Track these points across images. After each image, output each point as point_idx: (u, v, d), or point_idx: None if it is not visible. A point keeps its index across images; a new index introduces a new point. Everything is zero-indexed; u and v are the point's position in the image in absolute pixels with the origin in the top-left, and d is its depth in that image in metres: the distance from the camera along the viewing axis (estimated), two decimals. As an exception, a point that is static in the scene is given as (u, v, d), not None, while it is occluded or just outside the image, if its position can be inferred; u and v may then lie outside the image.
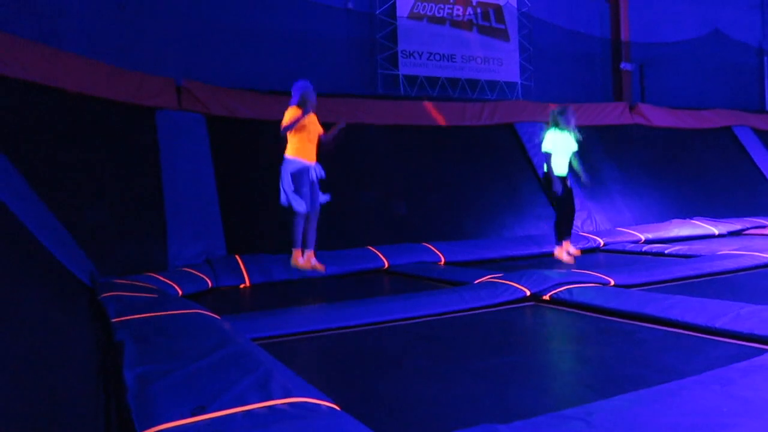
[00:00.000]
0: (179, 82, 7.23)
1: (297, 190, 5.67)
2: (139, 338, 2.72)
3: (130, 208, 6.18)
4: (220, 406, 1.86)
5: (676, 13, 12.50)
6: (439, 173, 8.35)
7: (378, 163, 8.07)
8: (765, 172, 10.88)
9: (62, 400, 2.01)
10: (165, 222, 6.24)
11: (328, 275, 5.83)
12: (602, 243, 7.43)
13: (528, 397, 2.37)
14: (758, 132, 11.59)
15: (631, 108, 10.63)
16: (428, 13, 9.98)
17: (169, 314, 3.28)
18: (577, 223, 6.70)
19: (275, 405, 1.86)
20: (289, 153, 5.74)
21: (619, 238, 7.67)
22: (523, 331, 3.66)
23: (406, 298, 4.22)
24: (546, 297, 4.20)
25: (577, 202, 6.42)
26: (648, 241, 7.69)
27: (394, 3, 9.71)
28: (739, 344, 2.93)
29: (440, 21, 10.08)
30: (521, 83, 10.62)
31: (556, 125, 5.95)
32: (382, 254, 6.36)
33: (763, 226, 8.58)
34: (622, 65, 11.61)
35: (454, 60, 10.13)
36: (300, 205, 5.62)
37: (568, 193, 5.95)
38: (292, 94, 5.76)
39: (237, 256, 5.97)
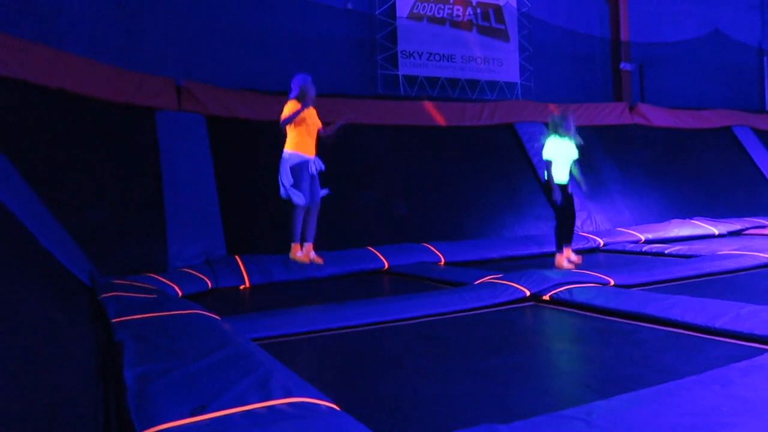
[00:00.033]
0: (179, 83, 7.23)
1: (297, 184, 5.67)
2: (139, 338, 2.72)
3: (130, 208, 6.18)
4: (220, 406, 1.86)
5: (676, 13, 12.50)
6: (439, 173, 8.35)
7: (378, 163, 8.07)
8: (765, 172, 10.88)
9: (62, 400, 2.01)
10: (165, 222, 6.24)
11: (328, 276, 5.83)
12: (602, 243, 7.43)
13: (528, 397, 2.37)
14: (758, 132, 11.59)
15: (631, 108, 10.63)
16: (428, 14, 9.97)
17: (169, 315, 3.28)
18: (577, 223, 6.67)
19: (275, 405, 1.86)
20: (289, 147, 5.74)
21: (619, 238, 7.67)
22: (523, 332, 3.66)
23: (406, 298, 4.22)
24: (546, 297, 4.20)
25: (577, 207, 6.38)
26: (648, 241, 7.69)
27: (394, 3, 9.70)
28: (739, 344, 2.93)
29: (440, 21, 10.08)
30: (521, 83, 10.62)
31: (557, 132, 5.89)
32: (381, 255, 6.36)
33: (763, 226, 8.59)
34: (622, 65, 11.61)
35: (453, 60, 10.13)
36: (299, 199, 5.63)
37: (568, 200, 5.89)
38: (292, 87, 5.77)
39: (237, 257, 5.97)
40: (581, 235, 7.53)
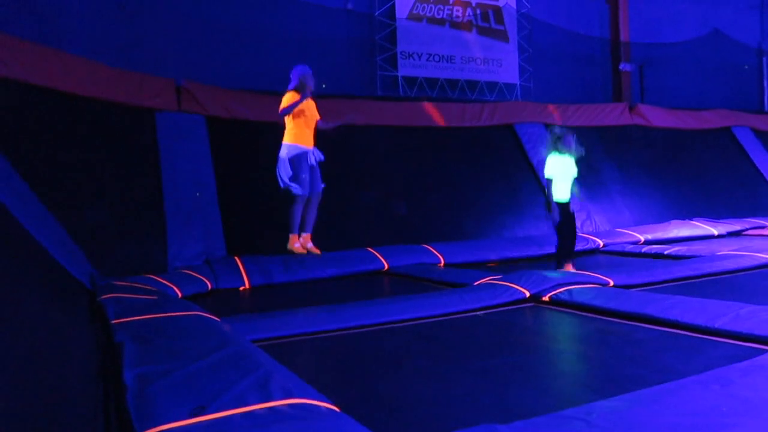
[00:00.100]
0: (179, 83, 7.23)
1: (296, 175, 5.67)
2: (139, 339, 2.72)
3: (130, 208, 6.18)
4: (219, 406, 1.86)
5: (676, 13, 12.51)
6: (439, 174, 8.35)
7: (378, 163, 8.07)
8: (764, 173, 10.89)
9: (62, 400, 2.01)
10: (165, 223, 6.24)
11: (328, 277, 5.83)
12: (602, 244, 7.42)
13: (528, 397, 2.37)
14: (758, 132, 11.60)
15: (631, 108, 10.63)
16: (428, 14, 9.98)
17: (168, 316, 3.28)
18: (576, 223, 6.65)
19: (275, 406, 1.86)
20: (287, 139, 5.74)
21: (618, 239, 7.66)
22: (523, 332, 3.66)
23: (406, 299, 4.22)
24: (545, 298, 4.20)
25: (578, 225, 6.31)
26: (647, 242, 7.69)
27: (394, 4, 9.71)
28: (739, 344, 2.93)
29: (440, 22, 10.08)
30: (520, 84, 10.62)
31: (557, 149, 5.82)
32: (381, 255, 6.35)
33: (763, 227, 8.59)
34: (622, 66, 11.61)
35: (453, 61, 10.13)
36: (298, 190, 5.62)
37: (569, 218, 5.82)
38: (291, 78, 5.76)
39: (236, 258, 5.96)
40: (581, 236, 7.52)
